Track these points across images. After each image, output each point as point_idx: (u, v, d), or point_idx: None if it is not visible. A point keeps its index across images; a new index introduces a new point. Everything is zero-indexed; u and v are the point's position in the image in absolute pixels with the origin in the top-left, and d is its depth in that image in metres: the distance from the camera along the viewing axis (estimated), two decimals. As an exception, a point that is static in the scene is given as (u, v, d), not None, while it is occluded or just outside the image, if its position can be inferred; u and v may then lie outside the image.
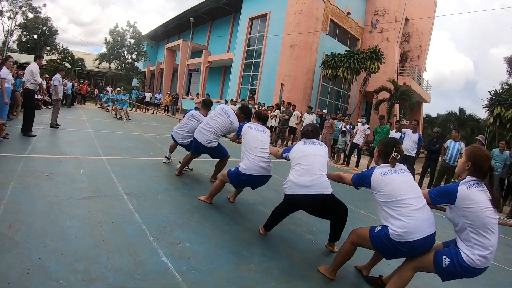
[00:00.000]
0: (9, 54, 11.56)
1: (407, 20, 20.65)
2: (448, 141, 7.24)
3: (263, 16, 18.36)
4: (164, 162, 5.36)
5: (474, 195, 1.88)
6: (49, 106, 12.37)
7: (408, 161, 7.23)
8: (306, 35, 15.92)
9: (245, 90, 19.46)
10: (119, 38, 30.20)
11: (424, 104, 23.46)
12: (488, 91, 14.60)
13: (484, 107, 14.92)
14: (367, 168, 7.33)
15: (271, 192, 4.53)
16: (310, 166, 2.67)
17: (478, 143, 6.69)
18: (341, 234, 2.83)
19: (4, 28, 28.19)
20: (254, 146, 3.23)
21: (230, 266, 2.35)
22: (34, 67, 6.24)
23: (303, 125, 4.12)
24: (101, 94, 18.23)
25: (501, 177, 6.95)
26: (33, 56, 6.83)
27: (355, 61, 14.37)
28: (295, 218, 3.50)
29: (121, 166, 4.72)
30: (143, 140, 7.94)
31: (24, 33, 30.23)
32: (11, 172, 3.63)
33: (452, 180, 6.97)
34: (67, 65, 27.99)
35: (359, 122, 9.58)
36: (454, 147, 6.97)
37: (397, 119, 14.64)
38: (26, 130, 6.13)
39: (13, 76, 6.93)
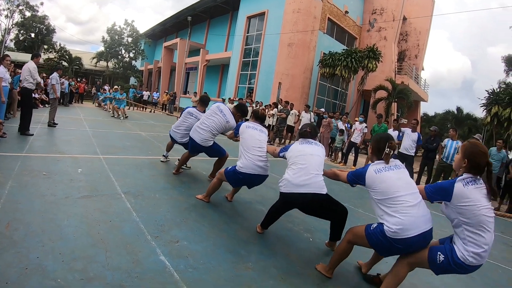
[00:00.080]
0: (6, 52, 11.52)
1: (405, 19, 20.70)
2: (446, 139, 7.28)
3: (261, 15, 18.34)
4: (161, 161, 5.36)
5: (470, 193, 1.87)
6: (46, 105, 12.34)
7: (407, 161, 7.27)
8: (304, 33, 15.92)
9: (243, 89, 19.45)
10: (116, 37, 30.05)
11: (421, 103, 23.56)
12: (486, 90, 14.71)
13: (481, 106, 15.01)
14: (365, 166, 7.34)
15: (268, 190, 4.53)
16: (306, 166, 2.68)
17: (474, 141, 6.70)
18: (342, 233, 2.84)
19: (2, 26, 28.14)
20: (252, 145, 3.24)
21: (228, 264, 2.36)
22: (31, 66, 6.22)
23: (301, 123, 4.14)
24: (99, 93, 18.19)
25: (498, 175, 7.00)
26: (30, 55, 6.80)
27: (353, 59, 14.40)
28: (292, 217, 3.51)
29: (119, 165, 4.72)
30: (140, 138, 7.93)
31: (22, 31, 30.06)
32: (9, 171, 3.62)
33: (450, 178, 7.00)
34: (65, 63, 27.78)
35: (356, 120, 9.61)
36: (452, 145, 7.00)
37: (395, 118, 14.68)
38: (24, 129, 6.11)
39: (10, 75, 6.90)
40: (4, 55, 6.19)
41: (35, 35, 30.53)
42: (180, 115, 4.91)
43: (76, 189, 3.37)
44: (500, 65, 29.04)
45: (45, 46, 29.20)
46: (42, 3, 31.57)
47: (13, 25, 28.69)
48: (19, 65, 13.88)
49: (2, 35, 28.08)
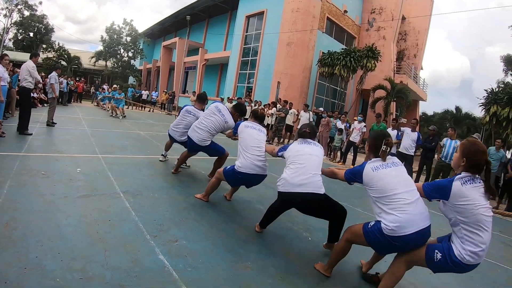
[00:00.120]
0: (5, 52, 11.49)
1: (403, 18, 20.72)
2: (445, 139, 7.29)
3: (260, 14, 18.34)
4: (160, 160, 5.36)
5: (468, 191, 1.87)
6: (45, 104, 12.30)
7: (407, 160, 7.28)
8: (302, 33, 15.92)
9: (241, 88, 19.44)
10: (115, 36, 30.03)
11: (420, 102, 23.59)
12: (485, 90, 14.71)
13: (480, 106, 15.03)
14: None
15: (267, 190, 4.53)
16: (304, 165, 2.68)
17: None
18: (340, 235, 2.83)
19: (0, 26, 28.00)
20: (250, 144, 3.24)
21: (227, 263, 2.37)
22: (30, 65, 6.20)
23: (300, 123, 4.14)
24: (97, 92, 18.16)
25: (496, 175, 7.02)
26: (29, 54, 6.78)
27: (352, 59, 14.41)
28: (291, 216, 3.51)
29: (118, 164, 4.71)
30: (139, 138, 7.93)
31: (20, 31, 29.94)
32: (7, 171, 3.61)
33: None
34: (63, 63, 27.74)
35: (355, 120, 9.62)
36: (450, 145, 7.02)
37: (394, 117, 14.71)
38: (22, 128, 6.10)
39: (9, 74, 6.89)
40: (2, 55, 6.17)
41: (34, 34, 30.42)
42: (179, 114, 4.91)
43: (75, 189, 3.37)
44: (498, 64, 29.16)
45: (44, 46, 29.12)
46: (40, 2, 31.34)
47: (12, 24, 28.60)
48: (18, 64, 13.84)
49: (0, 34, 27.97)
